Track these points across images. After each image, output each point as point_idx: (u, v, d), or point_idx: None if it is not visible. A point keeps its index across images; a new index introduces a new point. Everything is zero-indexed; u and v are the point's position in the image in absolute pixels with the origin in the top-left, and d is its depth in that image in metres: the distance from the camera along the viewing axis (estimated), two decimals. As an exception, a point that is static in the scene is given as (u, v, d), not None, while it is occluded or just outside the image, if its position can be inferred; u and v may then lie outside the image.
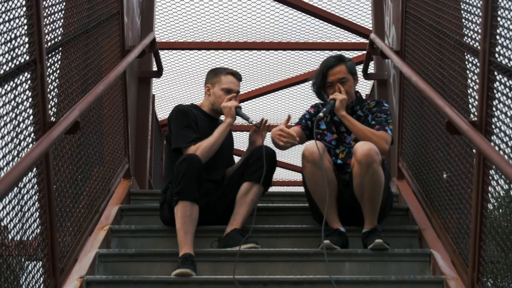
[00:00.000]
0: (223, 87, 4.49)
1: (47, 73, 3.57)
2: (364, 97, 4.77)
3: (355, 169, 4.16)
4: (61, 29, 3.99)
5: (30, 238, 3.35)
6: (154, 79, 6.91)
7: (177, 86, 8.96)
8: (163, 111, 9.19)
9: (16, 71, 3.21)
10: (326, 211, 4.19)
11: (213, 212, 4.34)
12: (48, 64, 3.65)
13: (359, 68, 6.57)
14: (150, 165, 7.03)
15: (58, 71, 3.89)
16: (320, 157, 4.15)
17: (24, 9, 3.30)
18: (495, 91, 3.44)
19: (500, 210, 3.50)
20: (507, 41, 3.30)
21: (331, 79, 4.44)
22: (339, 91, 4.41)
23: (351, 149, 4.40)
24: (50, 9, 3.74)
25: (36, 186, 3.42)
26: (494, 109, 3.43)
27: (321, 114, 4.35)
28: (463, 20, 4.07)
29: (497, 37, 3.40)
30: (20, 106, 3.26)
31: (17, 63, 3.22)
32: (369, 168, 4.11)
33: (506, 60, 3.30)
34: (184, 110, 4.44)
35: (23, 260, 3.32)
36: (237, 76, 4.55)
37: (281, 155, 10.08)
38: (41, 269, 3.51)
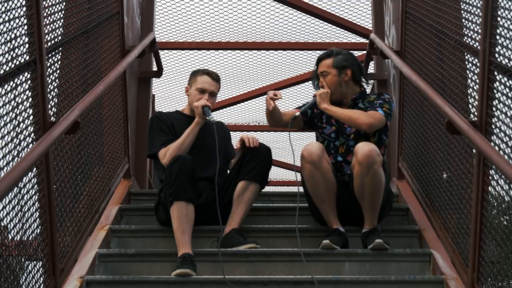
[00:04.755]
0: (197, 87, 4.53)
1: (47, 73, 3.56)
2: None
3: (356, 170, 4.16)
4: (61, 29, 3.99)
5: (30, 238, 3.35)
6: (154, 79, 6.90)
7: (177, 86, 8.96)
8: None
9: (16, 71, 3.21)
10: (325, 209, 4.20)
11: (211, 211, 4.33)
12: (48, 64, 3.64)
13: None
14: (150, 165, 7.03)
15: (58, 71, 3.89)
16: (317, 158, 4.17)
17: (24, 9, 3.30)
18: (495, 91, 3.44)
19: (500, 209, 3.50)
20: (507, 41, 3.29)
21: (318, 72, 4.54)
22: (322, 84, 4.48)
23: (349, 142, 4.41)
24: (50, 9, 3.74)
25: (36, 186, 3.41)
26: (494, 109, 3.43)
27: (297, 113, 4.47)
28: (463, 20, 4.07)
29: (497, 37, 3.39)
30: (20, 106, 3.26)
31: (17, 63, 3.22)
32: (370, 169, 4.11)
33: (506, 60, 3.30)
34: (157, 116, 4.54)
35: (23, 260, 3.32)
36: (213, 76, 4.56)
37: (281, 155, 10.07)
38: (41, 269, 3.51)
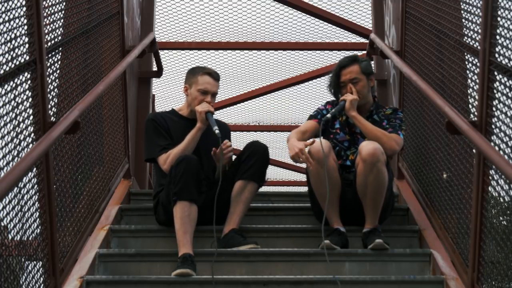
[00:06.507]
0: (199, 88, 4.44)
1: (47, 73, 3.56)
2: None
3: (360, 168, 4.16)
4: (61, 29, 3.99)
5: (30, 238, 3.35)
6: (154, 79, 6.91)
7: (177, 86, 8.96)
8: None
9: (16, 71, 3.21)
10: (327, 208, 4.20)
11: (210, 211, 4.32)
12: (48, 64, 3.65)
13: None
14: (150, 165, 7.03)
15: (58, 71, 3.89)
16: (324, 156, 4.16)
17: (24, 9, 3.30)
18: (495, 91, 3.44)
19: (500, 209, 3.50)
20: (507, 41, 3.30)
21: (343, 79, 4.45)
22: (351, 91, 4.41)
23: None
24: (50, 9, 3.74)
25: (36, 186, 3.41)
26: (494, 109, 3.43)
27: (328, 116, 4.36)
28: (463, 20, 4.07)
29: (497, 37, 3.39)
30: (20, 106, 3.26)
31: (17, 63, 3.22)
32: (374, 167, 4.11)
33: (506, 60, 3.30)
34: (152, 118, 4.46)
35: (23, 260, 3.32)
36: (214, 76, 4.47)
37: (281, 155, 10.08)
38: (41, 269, 3.51)
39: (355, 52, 7.99)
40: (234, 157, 4.49)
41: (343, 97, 4.41)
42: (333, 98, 4.60)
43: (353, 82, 4.43)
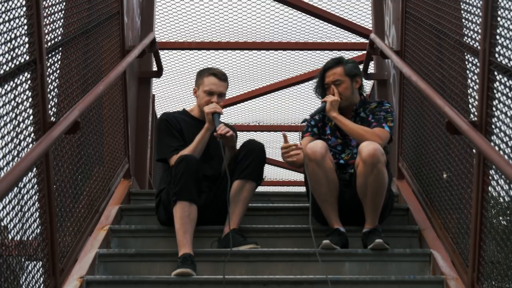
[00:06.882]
0: (205, 89, 4.45)
1: (47, 73, 3.56)
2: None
3: (360, 169, 4.16)
4: (61, 29, 3.99)
5: (30, 238, 3.35)
6: (154, 79, 6.91)
7: (177, 86, 8.97)
8: (163, 111, 9.19)
9: (16, 71, 3.21)
10: (327, 208, 4.21)
11: (210, 211, 4.32)
12: (48, 64, 3.64)
13: (359, 68, 6.56)
14: (150, 165, 7.04)
15: (58, 71, 3.89)
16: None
17: (24, 9, 3.30)
18: (495, 91, 3.44)
19: (499, 208, 3.50)
20: (507, 41, 3.30)
21: (327, 81, 4.49)
22: (333, 93, 4.44)
23: (353, 150, 4.41)
24: (50, 9, 3.74)
25: (36, 186, 3.41)
26: (494, 109, 3.43)
27: (307, 117, 4.44)
28: (463, 20, 4.07)
29: (497, 37, 3.39)
30: (20, 106, 3.26)
31: (17, 63, 3.22)
32: (374, 168, 4.11)
33: (506, 60, 3.30)
34: (165, 119, 4.47)
35: (23, 260, 3.32)
36: (220, 76, 4.47)
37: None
38: (41, 269, 3.51)
39: (355, 52, 8.03)
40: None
41: (324, 99, 4.45)
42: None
43: (336, 84, 4.46)
